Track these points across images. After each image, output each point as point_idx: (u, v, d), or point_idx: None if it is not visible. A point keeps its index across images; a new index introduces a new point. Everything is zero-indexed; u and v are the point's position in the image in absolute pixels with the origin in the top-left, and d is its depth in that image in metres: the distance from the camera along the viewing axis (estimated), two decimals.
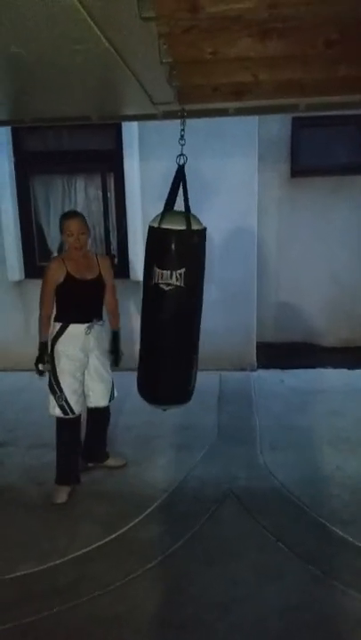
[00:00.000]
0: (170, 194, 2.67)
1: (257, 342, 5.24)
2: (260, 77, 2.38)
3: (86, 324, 3.04)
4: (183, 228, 2.63)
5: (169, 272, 2.63)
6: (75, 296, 3.03)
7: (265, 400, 4.47)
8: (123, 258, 5.08)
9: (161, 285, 2.63)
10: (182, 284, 2.67)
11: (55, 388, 3.04)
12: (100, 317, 3.14)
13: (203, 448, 3.64)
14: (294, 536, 2.72)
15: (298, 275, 5.72)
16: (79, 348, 3.04)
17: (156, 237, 2.62)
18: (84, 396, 3.16)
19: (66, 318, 3.03)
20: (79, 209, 5.14)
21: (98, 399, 3.20)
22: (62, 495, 3.09)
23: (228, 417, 4.09)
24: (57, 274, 2.97)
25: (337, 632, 2.15)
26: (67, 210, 5.12)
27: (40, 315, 3.03)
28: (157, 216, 2.67)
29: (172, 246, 2.62)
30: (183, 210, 2.65)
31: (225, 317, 4.98)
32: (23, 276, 5.19)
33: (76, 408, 3.07)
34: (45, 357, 3.01)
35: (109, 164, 4.96)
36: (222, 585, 2.42)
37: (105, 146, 4.96)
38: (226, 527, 2.83)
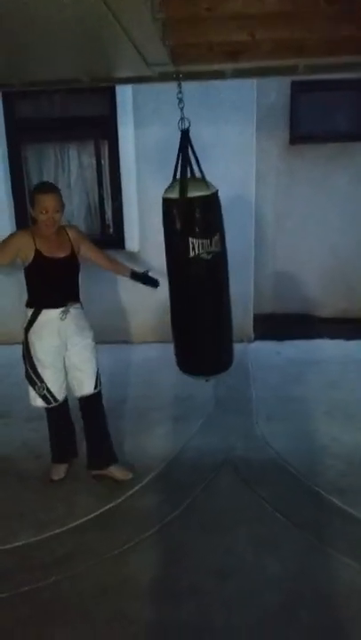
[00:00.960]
0: (182, 161, 2.57)
1: (254, 313, 5.20)
2: (258, 36, 2.28)
3: (61, 309, 2.77)
4: (208, 193, 2.57)
5: (208, 240, 2.59)
6: (46, 277, 2.75)
7: (262, 371, 4.46)
8: (118, 228, 5.00)
9: (202, 255, 2.58)
10: (220, 249, 2.64)
11: (34, 378, 2.86)
12: (76, 300, 2.87)
13: (200, 419, 3.65)
14: (291, 505, 2.74)
15: (296, 245, 5.64)
16: (55, 335, 2.79)
17: (183, 208, 2.54)
18: (66, 381, 2.95)
19: (38, 303, 2.77)
20: (72, 177, 5.04)
21: (82, 387, 2.93)
22: (59, 472, 3.06)
23: (225, 388, 4.08)
24: (21, 242, 2.70)
25: (333, 600, 2.17)
26: (64, 178, 5.06)
27: None
28: (172, 187, 2.57)
29: (205, 213, 2.56)
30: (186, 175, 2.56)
31: None
32: None
33: (60, 395, 2.91)
34: None
35: (103, 130, 4.83)
36: (219, 554, 2.44)
37: (99, 112, 4.81)
38: (223, 497, 2.84)
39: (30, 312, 2.79)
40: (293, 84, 5.18)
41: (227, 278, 2.78)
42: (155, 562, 2.42)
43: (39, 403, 2.91)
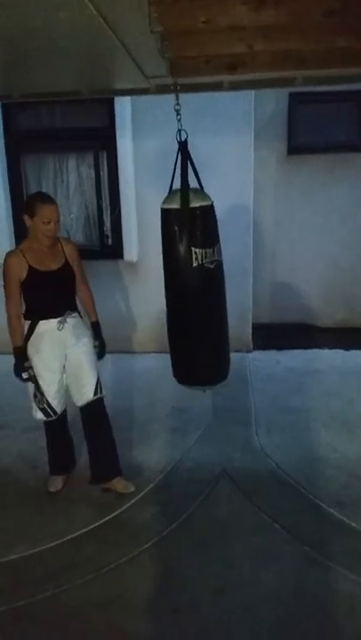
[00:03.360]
0: (182, 171, 2.58)
1: (253, 323, 5.19)
2: (256, 48, 2.29)
3: (58, 319, 2.75)
4: (209, 203, 2.58)
5: (211, 249, 2.60)
6: (41, 290, 2.74)
7: (261, 381, 4.45)
8: (116, 238, 5.00)
9: (206, 265, 2.58)
10: (220, 258, 2.66)
11: (35, 391, 2.82)
12: (73, 309, 2.86)
13: (198, 430, 3.62)
14: (290, 518, 2.71)
15: (294, 255, 5.65)
16: (54, 345, 2.77)
17: (185, 218, 2.54)
18: (66, 394, 2.92)
19: (34, 315, 2.75)
20: (71, 188, 5.06)
21: (82, 395, 2.88)
22: (57, 483, 3.04)
23: (224, 399, 4.06)
24: (17, 269, 2.67)
25: (332, 615, 2.14)
26: (63, 189, 5.08)
27: (8, 317, 2.72)
28: (172, 197, 2.57)
29: (207, 223, 2.57)
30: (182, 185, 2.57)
31: None
32: None
33: (59, 408, 2.88)
34: (25, 363, 2.74)
35: (102, 142, 4.85)
36: (217, 567, 2.41)
37: (98, 124, 4.84)
38: (221, 509, 2.81)
39: (27, 324, 2.76)
40: (291, 95, 5.22)
41: (224, 287, 2.79)
42: (152, 575, 2.38)
43: (40, 416, 2.89)
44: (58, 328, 2.76)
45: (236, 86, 2.87)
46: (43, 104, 4.79)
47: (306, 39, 2.27)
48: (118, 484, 2.96)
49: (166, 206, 2.57)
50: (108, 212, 5.03)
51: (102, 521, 2.75)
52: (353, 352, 5.05)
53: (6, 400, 4.22)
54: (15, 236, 5.09)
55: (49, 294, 2.76)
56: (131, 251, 4.95)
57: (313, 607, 2.18)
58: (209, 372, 2.78)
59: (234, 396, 4.11)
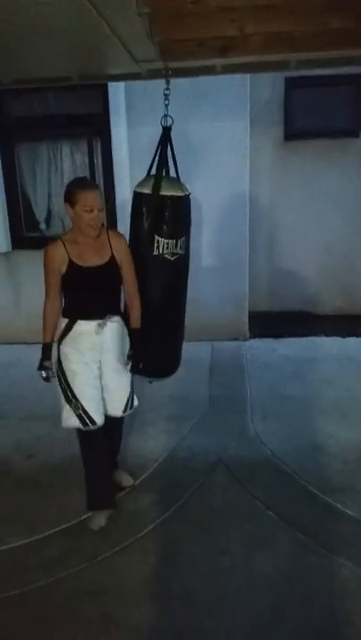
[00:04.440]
0: (160, 158, 2.57)
1: (249, 311, 5.18)
2: (247, 30, 2.26)
3: (97, 322, 2.48)
4: (182, 194, 2.55)
5: (174, 241, 2.56)
6: (82, 287, 2.47)
7: (257, 369, 4.44)
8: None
9: (166, 256, 2.56)
10: (184, 252, 2.62)
11: (69, 395, 2.51)
12: (115, 312, 2.56)
13: (194, 418, 3.62)
14: (284, 505, 2.71)
15: (291, 242, 5.62)
16: (89, 348, 2.50)
17: (152, 205, 2.52)
18: (103, 403, 2.62)
19: (73, 314, 2.49)
20: (65, 176, 5.01)
21: (111, 409, 2.65)
22: (100, 520, 2.62)
23: (220, 387, 4.06)
24: (57, 262, 2.40)
25: (327, 601, 2.14)
26: (57, 177, 5.03)
27: (43, 310, 2.48)
28: (147, 181, 2.56)
29: (176, 214, 2.54)
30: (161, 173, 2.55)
31: (217, 286, 4.91)
32: (10, 248, 5.07)
33: (97, 417, 2.54)
34: (45, 362, 2.47)
35: (96, 129, 4.79)
36: (212, 555, 2.41)
37: (91, 110, 4.78)
38: (216, 496, 2.81)
39: (65, 322, 2.50)
40: (287, 80, 5.16)
41: (186, 283, 2.75)
42: (146, 564, 2.39)
43: (74, 423, 2.53)
44: (96, 331, 2.48)
45: (229, 70, 2.83)
46: (35, 91, 4.73)
47: (298, 20, 2.23)
48: (120, 477, 2.90)
49: (138, 189, 2.56)
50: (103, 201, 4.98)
51: None
52: (350, 339, 5.04)
53: (3, 390, 4.23)
54: (10, 226, 5.06)
55: (89, 293, 2.48)
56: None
57: (307, 594, 2.19)
58: (154, 363, 2.75)
59: (230, 385, 4.11)
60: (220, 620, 2.09)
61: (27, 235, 5.12)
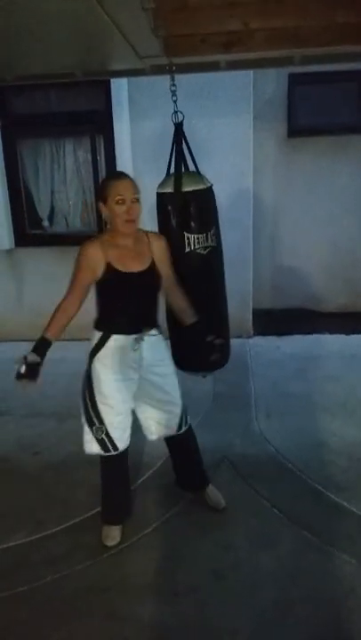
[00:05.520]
0: (176, 155, 2.54)
1: (253, 308, 5.16)
2: (252, 25, 2.25)
3: (134, 336, 2.28)
4: (203, 187, 2.54)
5: (204, 235, 2.55)
6: (119, 295, 2.26)
7: (261, 367, 4.43)
8: None
9: (198, 251, 2.54)
10: (215, 244, 2.61)
11: (93, 417, 2.34)
12: (153, 325, 2.37)
13: (197, 415, 3.60)
14: (289, 502, 2.71)
15: (295, 239, 5.60)
16: (125, 365, 2.30)
17: (178, 203, 2.50)
18: (130, 429, 2.46)
19: (107, 327, 2.29)
20: (68, 173, 5.00)
21: (160, 429, 2.50)
22: (114, 536, 2.49)
23: (224, 384, 4.05)
24: (92, 262, 2.19)
25: (331, 598, 2.14)
26: (60, 174, 5.02)
27: (59, 304, 2.24)
28: (167, 181, 2.54)
29: (201, 208, 2.53)
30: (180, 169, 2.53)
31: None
32: (13, 245, 5.07)
33: (120, 444, 2.38)
34: (30, 355, 2.17)
35: (99, 125, 4.78)
36: (216, 551, 2.41)
37: (94, 107, 4.77)
38: (220, 494, 2.81)
39: (98, 336, 2.30)
40: (291, 76, 5.13)
41: (222, 272, 2.75)
42: (152, 560, 2.39)
43: (95, 449, 2.38)
44: (133, 348, 2.29)
45: (233, 66, 2.82)
46: (38, 88, 4.72)
47: (303, 15, 2.22)
48: (211, 496, 2.68)
49: (160, 190, 2.54)
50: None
51: None
52: (354, 337, 5.02)
53: (8, 386, 4.22)
54: (13, 223, 5.05)
55: (127, 301, 2.28)
56: None
57: (311, 590, 2.19)
58: (206, 357, 2.68)
59: (234, 382, 4.10)
60: (225, 616, 2.09)
61: (29, 232, 5.11)
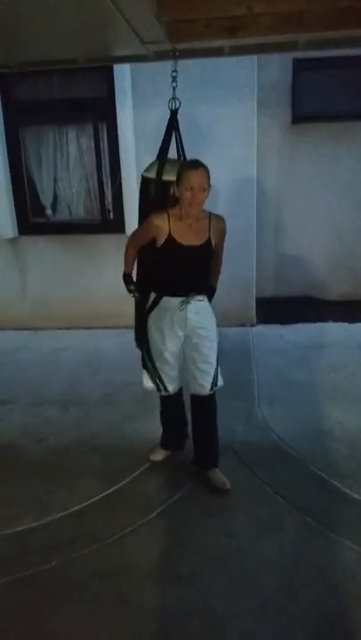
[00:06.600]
0: (164, 142, 2.57)
1: (257, 297, 5.16)
2: (256, 10, 2.22)
3: (181, 299, 2.58)
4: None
5: None
6: (174, 265, 2.55)
7: (264, 355, 4.44)
8: (118, 212, 4.94)
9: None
10: None
11: (147, 363, 2.78)
12: (201, 291, 2.65)
13: None
14: (292, 489, 2.73)
15: (299, 227, 5.58)
16: (173, 324, 2.62)
17: (158, 189, 2.55)
18: (181, 375, 2.82)
19: (160, 289, 2.62)
20: (71, 161, 4.98)
21: (195, 386, 2.75)
22: (158, 455, 3.03)
23: (227, 372, 4.01)
24: (156, 230, 2.48)
25: (333, 584, 2.17)
26: (63, 162, 5.00)
27: (126, 249, 2.66)
28: (152, 166, 2.57)
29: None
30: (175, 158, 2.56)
31: (223, 272, 4.86)
32: (17, 234, 5.07)
33: (171, 387, 2.80)
34: (130, 286, 2.66)
35: (102, 112, 4.75)
36: (220, 537, 2.44)
37: (97, 94, 4.73)
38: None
39: (153, 297, 2.66)
40: (296, 61, 5.09)
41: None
42: (155, 546, 2.42)
43: (150, 386, 2.85)
44: (180, 307, 2.58)
45: (237, 51, 2.79)
46: (41, 75, 4.70)
47: None
48: (215, 478, 2.80)
49: (145, 174, 2.58)
50: (110, 186, 4.96)
51: (107, 492, 2.78)
52: (357, 325, 5.02)
53: (12, 375, 4.26)
54: (16, 211, 5.05)
55: (180, 270, 2.57)
56: (132, 225, 4.86)
57: (314, 577, 2.21)
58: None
59: (237, 370, 4.11)
60: (228, 601, 2.11)
61: (33, 220, 5.11)
